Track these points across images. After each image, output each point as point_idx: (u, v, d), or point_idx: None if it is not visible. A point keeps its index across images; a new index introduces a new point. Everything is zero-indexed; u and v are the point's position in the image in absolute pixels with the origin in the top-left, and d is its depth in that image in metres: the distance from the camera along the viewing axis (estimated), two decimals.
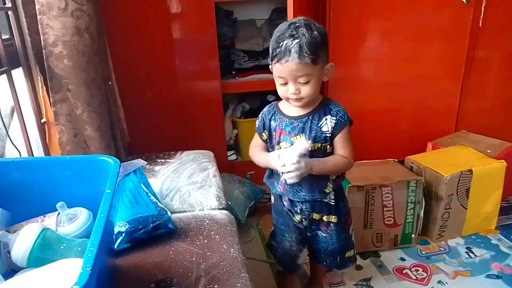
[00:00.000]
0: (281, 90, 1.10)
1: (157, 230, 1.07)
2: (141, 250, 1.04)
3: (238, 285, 0.92)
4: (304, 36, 1.00)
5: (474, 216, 1.78)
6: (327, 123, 1.13)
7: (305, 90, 1.07)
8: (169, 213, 1.09)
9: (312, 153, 1.14)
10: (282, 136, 1.17)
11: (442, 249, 1.75)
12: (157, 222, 1.06)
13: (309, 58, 1.01)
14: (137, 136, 1.97)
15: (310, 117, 1.14)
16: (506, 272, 1.59)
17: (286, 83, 1.07)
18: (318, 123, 1.13)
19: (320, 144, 1.15)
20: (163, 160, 1.56)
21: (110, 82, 1.59)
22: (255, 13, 2.32)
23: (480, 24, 2.03)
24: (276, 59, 1.04)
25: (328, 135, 1.14)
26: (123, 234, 1.01)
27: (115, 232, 1.01)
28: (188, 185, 1.37)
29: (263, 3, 2.30)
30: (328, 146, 1.15)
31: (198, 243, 1.07)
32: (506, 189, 1.82)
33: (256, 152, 1.23)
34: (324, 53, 1.06)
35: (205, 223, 1.16)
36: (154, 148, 1.81)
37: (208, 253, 1.02)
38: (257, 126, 1.24)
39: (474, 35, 2.05)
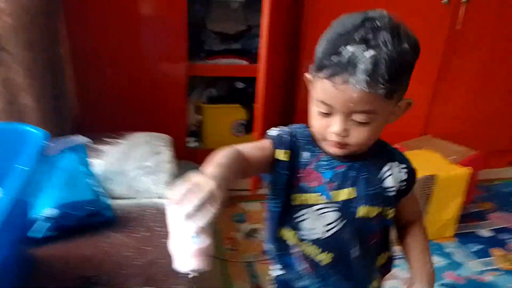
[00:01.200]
0: (317, 122, 0.69)
1: (93, 218, 0.96)
2: (70, 240, 0.92)
3: (179, 286, 0.83)
4: (386, 48, 0.61)
5: (433, 222, 1.76)
6: (393, 176, 0.75)
7: (359, 135, 0.67)
8: (108, 199, 0.97)
9: (364, 224, 0.75)
10: (314, 182, 0.73)
11: (398, 255, 1.71)
12: (93, 209, 0.94)
13: (384, 87, 0.61)
14: (90, 113, 1.82)
15: (366, 162, 0.74)
16: (459, 282, 1.57)
17: (329, 114, 0.66)
18: (378, 174, 0.75)
19: (379, 209, 0.75)
20: (112, 140, 1.43)
21: (61, 50, 1.44)
22: None
23: (458, 28, 1.99)
24: (326, 72, 0.63)
25: (392, 193, 0.76)
26: (50, 220, 0.89)
27: (41, 217, 0.89)
28: (137, 169, 1.25)
29: None
30: (390, 211, 0.77)
31: (138, 235, 0.96)
32: (466, 197, 1.81)
33: (226, 153, 0.66)
34: (406, 81, 0.67)
35: (150, 213, 1.06)
36: (107, 127, 1.67)
37: (147, 248, 0.92)
38: (274, 134, 0.76)
39: (450, 39, 2.02)
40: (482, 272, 1.62)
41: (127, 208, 1.07)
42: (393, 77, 0.61)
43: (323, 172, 0.73)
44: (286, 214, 0.75)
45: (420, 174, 1.61)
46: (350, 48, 0.61)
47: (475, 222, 1.95)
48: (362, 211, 0.73)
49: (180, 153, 1.98)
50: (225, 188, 0.56)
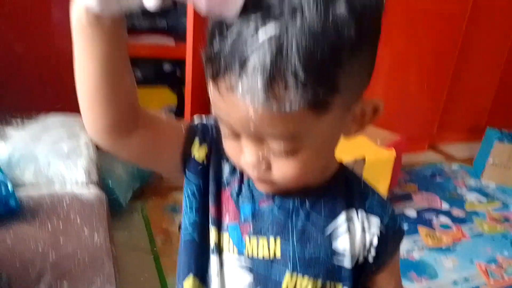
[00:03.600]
0: (226, 146, 0.44)
1: None
2: None
3: (98, 280, 0.72)
4: (300, 19, 0.33)
5: None
6: (352, 234, 0.48)
7: (283, 170, 0.41)
8: (10, 186, 0.82)
9: None
10: (227, 217, 0.49)
11: None
12: None
13: (303, 94, 0.35)
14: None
15: (308, 203, 0.48)
16: None
17: (237, 135, 0.41)
18: (326, 224, 0.48)
19: (319, 283, 0.48)
20: (20, 121, 1.25)
21: None
22: None
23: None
24: (207, 67, 0.38)
25: (347, 263, 0.48)
26: None
27: None
28: (49, 154, 1.09)
29: None
30: None
31: (50, 227, 0.83)
32: (391, 180, 1.87)
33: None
34: (357, 72, 0.39)
35: (64, 202, 0.92)
36: (18, 108, 1.48)
37: (61, 240, 0.79)
38: (197, 121, 0.50)
39: None
40: (410, 250, 1.69)
41: (37, 197, 0.92)
42: (317, 73, 0.34)
43: (241, 204, 0.48)
44: (198, 252, 0.50)
45: (350, 157, 1.66)
46: (236, 26, 0.34)
47: (401, 204, 2.04)
48: (289, 283, 0.47)
49: None
50: None
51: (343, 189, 0.49)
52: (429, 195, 2.13)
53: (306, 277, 0.47)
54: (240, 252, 0.48)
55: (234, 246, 0.48)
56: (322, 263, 0.47)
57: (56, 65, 1.73)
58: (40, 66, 1.72)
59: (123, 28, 0.39)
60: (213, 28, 0.36)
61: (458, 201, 2.10)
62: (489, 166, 2.31)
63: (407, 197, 2.09)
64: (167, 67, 2.09)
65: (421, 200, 2.08)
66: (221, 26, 0.35)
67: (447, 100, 2.51)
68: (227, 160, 0.48)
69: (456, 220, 1.92)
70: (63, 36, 1.75)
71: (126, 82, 0.42)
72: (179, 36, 1.92)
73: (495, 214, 2.02)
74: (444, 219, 1.92)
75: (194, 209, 0.49)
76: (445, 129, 2.67)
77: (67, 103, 1.73)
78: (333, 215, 0.48)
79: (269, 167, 0.41)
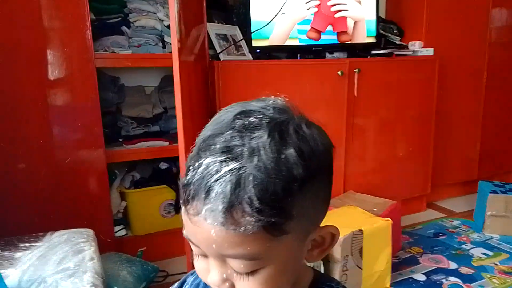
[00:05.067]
0: (196, 265, 0.49)
1: None
2: None
3: None
4: (257, 158, 0.41)
5: (369, 275, 1.80)
6: None
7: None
8: None
9: None
10: None
11: None
12: None
13: (256, 220, 0.41)
14: (1, 215, 1.67)
15: None
16: None
17: (206, 256, 0.47)
18: None
19: None
20: (27, 245, 1.31)
21: None
22: (143, 80, 2.26)
23: (355, 94, 2.22)
24: (181, 194, 0.45)
25: None
26: None
27: None
28: (56, 274, 1.15)
29: (152, 70, 2.25)
30: None
31: None
32: (394, 245, 1.89)
33: None
34: (306, 205, 0.45)
35: None
36: (22, 229, 1.54)
37: None
38: None
39: (351, 104, 2.23)
40: None
41: None
42: (270, 203, 0.40)
43: None
44: None
45: (348, 230, 1.70)
46: (205, 160, 0.42)
47: (408, 268, 2.03)
48: None
49: (108, 245, 1.87)
50: None
51: None
52: (435, 256, 2.13)
53: None
54: None
55: None
56: None
57: (58, 182, 1.83)
58: (42, 186, 1.79)
59: None
60: (188, 163, 0.45)
61: (465, 258, 2.10)
62: (488, 218, 2.34)
63: (413, 261, 2.09)
64: (163, 165, 2.21)
65: (428, 262, 2.08)
66: (194, 161, 0.43)
67: (436, 159, 2.60)
68: None
69: (466, 279, 1.91)
70: (64, 148, 1.87)
71: None
72: (171, 137, 2.06)
73: (503, 267, 2.01)
74: (453, 279, 1.91)
75: None
76: (439, 186, 2.73)
77: (72, 218, 1.81)
78: None
79: (232, 287, 0.46)
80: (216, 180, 0.41)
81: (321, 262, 1.69)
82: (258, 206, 0.40)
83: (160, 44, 2.08)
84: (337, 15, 2.20)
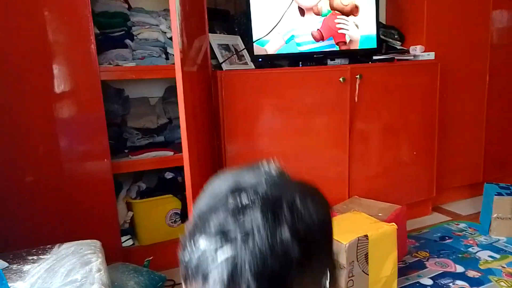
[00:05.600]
0: None
1: None
2: None
3: None
4: (252, 241, 0.42)
5: (376, 281, 1.80)
6: None
7: None
8: None
9: None
10: None
11: None
12: None
13: None
14: (10, 228, 1.70)
15: None
16: None
17: None
18: None
19: None
20: (35, 257, 1.33)
21: None
22: (148, 91, 2.29)
23: (356, 100, 2.23)
24: (181, 267, 0.46)
25: None
26: None
27: None
28: (64, 286, 1.16)
29: (156, 82, 2.28)
30: None
31: None
32: (400, 250, 1.89)
33: None
34: (310, 279, 0.46)
35: None
36: (30, 242, 1.56)
37: None
38: None
39: (353, 110, 2.24)
40: None
41: None
42: (268, 284, 0.41)
43: None
44: None
45: (353, 236, 1.71)
46: (202, 243, 0.42)
47: (415, 273, 2.03)
48: None
49: (115, 255, 1.89)
50: None
51: None
52: (442, 260, 2.13)
53: None
54: None
55: None
56: None
57: (65, 194, 1.86)
58: (49, 198, 1.82)
59: None
60: (184, 239, 0.45)
61: (472, 262, 2.09)
62: (494, 220, 2.33)
63: (420, 265, 2.09)
64: (168, 174, 2.23)
65: (435, 266, 2.08)
66: (190, 240, 0.44)
67: (440, 162, 2.60)
68: None
69: (473, 282, 1.91)
70: (70, 161, 1.90)
71: None
72: (176, 147, 2.09)
73: (510, 269, 2.00)
74: (461, 283, 1.91)
75: None
76: (445, 189, 2.73)
77: (79, 229, 1.83)
78: None
79: None
80: (213, 268, 0.41)
81: (327, 269, 1.70)
82: None
83: (163, 55, 2.11)
84: (339, 31, 2.27)
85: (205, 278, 0.41)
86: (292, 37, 2.21)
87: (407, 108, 2.42)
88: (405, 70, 2.41)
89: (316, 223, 0.45)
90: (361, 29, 2.34)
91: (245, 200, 0.43)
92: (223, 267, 0.40)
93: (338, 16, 2.27)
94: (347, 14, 2.29)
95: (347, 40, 2.33)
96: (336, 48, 2.30)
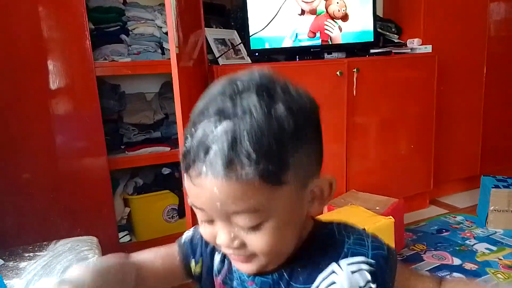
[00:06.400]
0: (203, 231, 0.52)
1: None
2: None
3: None
4: (248, 116, 0.44)
5: None
6: (342, 280, 0.50)
7: (256, 244, 0.48)
8: None
9: None
10: None
11: None
12: None
13: (255, 169, 0.44)
14: (5, 225, 1.70)
15: (286, 274, 0.53)
16: None
17: (211, 221, 0.50)
18: (314, 280, 0.51)
19: None
20: (31, 254, 1.33)
21: None
22: (144, 86, 2.28)
23: (354, 94, 2.23)
24: (182, 163, 0.48)
25: None
26: None
27: None
28: None
29: (152, 77, 2.27)
30: None
31: None
32: (397, 243, 1.90)
33: (106, 259, 0.62)
34: (299, 156, 0.47)
35: None
36: (26, 238, 1.56)
37: None
38: (183, 240, 0.64)
39: (350, 103, 2.24)
40: None
41: None
42: (266, 153, 0.43)
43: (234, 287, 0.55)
44: None
45: None
46: (202, 125, 0.45)
47: (412, 265, 2.03)
48: None
49: (112, 251, 1.88)
50: None
51: (318, 247, 0.53)
52: (439, 253, 2.13)
53: None
54: None
55: None
56: None
57: (62, 191, 1.85)
58: (45, 194, 1.82)
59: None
60: (185, 134, 0.48)
61: (469, 254, 2.10)
62: (491, 213, 2.34)
63: (417, 258, 2.09)
64: (165, 170, 2.23)
65: (432, 258, 2.08)
66: (190, 129, 0.47)
67: (437, 156, 2.60)
68: (217, 252, 0.58)
69: (470, 274, 1.91)
70: (67, 157, 1.90)
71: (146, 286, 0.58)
72: (173, 142, 2.08)
73: (508, 261, 2.01)
74: (458, 275, 1.92)
75: None
76: (442, 182, 2.73)
77: (76, 226, 1.83)
78: (312, 279, 0.51)
79: (242, 244, 0.48)
80: (213, 139, 0.44)
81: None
82: (255, 158, 0.43)
83: (159, 50, 2.10)
84: (326, 31, 2.26)
85: (206, 151, 0.44)
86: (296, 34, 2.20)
87: (404, 101, 2.42)
88: (402, 63, 2.41)
89: (308, 106, 0.50)
90: (351, 27, 2.32)
91: (240, 86, 0.47)
92: (223, 139, 0.43)
93: (328, 19, 2.25)
94: (337, 19, 2.28)
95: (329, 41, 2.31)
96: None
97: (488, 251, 2.12)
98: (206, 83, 2.02)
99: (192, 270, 0.61)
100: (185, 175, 0.48)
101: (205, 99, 0.48)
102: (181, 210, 2.14)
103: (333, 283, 0.50)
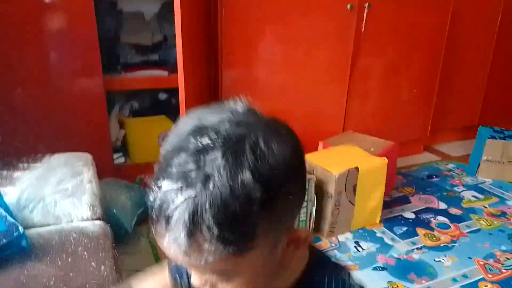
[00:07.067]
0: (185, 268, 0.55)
1: (6, 250, 0.88)
2: None
3: None
4: (211, 184, 0.40)
5: (361, 211, 1.86)
6: None
7: None
8: (21, 229, 0.91)
9: None
10: None
11: (333, 245, 1.78)
12: (5, 240, 0.87)
13: (220, 244, 0.41)
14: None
15: None
16: (390, 263, 1.67)
17: None
18: None
19: None
20: (26, 165, 1.33)
21: None
22: (143, 5, 2.16)
23: (363, 31, 2.14)
24: (150, 212, 0.45)
25: None
26: None
27: None
28: (55, 193, 1.18)
29: None
30: None
31: (59, 263, 0.90)
32: (387, 185, 1.93)
33: None
34: (270, 223, 0.44)
35: (72, 238, 1.00)
36: (20, 152, 1.56)
37: (71, 274, 0.87)
38: (171, 264, 0.64)
39: (357, 41, 2.15)
40: (410, 251, 1.74)
41: (46, 235, 1.00)
42: (229, 227, 0.40)
43: None
44: None
45: (344, 168, 1.72)
46: (164, 185, 0.42)
47: (399, 207, 2.09)
48: None
49: (107, 171, 1.90)
50: None
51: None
52: (426, 196, 2.18)
53: None
54: None
55: None
56: None
57: (57, 107, 1.83)
58: (40, 110, 1.80)
59: None
60: (152, 180, 0.44)
61: (455, 200, 2.15)
62: (483, 163, 2.37)
63: (404, 200, 2.15)
64: (162, 96, 2.19)
65: (419, 201, 2.14)
66: (155, 181, 0.43)
67: (438, 103, 2.57)
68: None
69: (454, 219, 1.98)
70: (60, 77, 1.86)
71: None
72: (171, 67, 2.02)
73: (492, 210, 2.06)
74: (442, 219, 1.98)
75: None
76: (439, 130, 2.73)
77: (71, 143, 1.82)
78: None
79: (215, 286, 0.47)
80: (174, 209, 0.40)
81: (315, 197, 1.74)
82: (217, 232, 0.40)
83: None
84: None
85: (167, 220, 0.41)
86: None
87: (413, 45, 2.33)
88: (417, 4, 2.28)
89: (281, 163, 0.43)
90: None
91: (206, 141, 0.42)
92: (184, 208, 0.40)
93: None
94: None
95: None
96: None
97: (474, 199, 2.17)
98: (209, 8, 1.92)
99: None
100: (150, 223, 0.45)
101: (173, 142, 0.45)
102: None
103: None
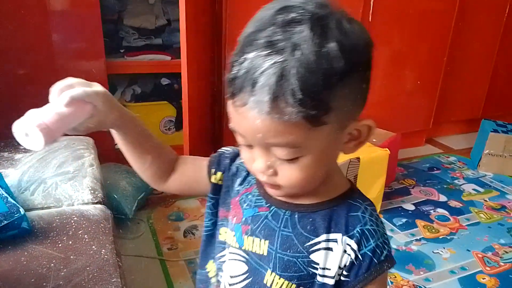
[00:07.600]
0: (243, 155, 0.54)
1: (6, 232, 0.88)
2: None
3: None
4: (299, 51, 0.42)
5: None
6: (328, 252, 0.53)
7: (288, 175, 0.50)
8: (22, 210, 0.90)
9: None
10: (234, 219, 0.60)
11: None
12: (6, 221, 0.87)
13: (299, 110, 0.43)
14: (3, 118, 1.68)
15: (297, 216, 0.55)
16: None
17: (250, 146, 0.50)
18: (307, 240, 0.54)
19: (295, 286, 0.55)
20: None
21: None
22: None
23: (370, 19, 2.11)
24: (228, 89, 0.47)
25: (319, 275, 0.53)
26: None
27: None
28: (56, 176, 1.17)
29: None
30: None
31: (60, 245, 0.90)
32: (388, 176, 1.93)
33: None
34: (346, 98, 0.46)
35: (72, 221, 1.00)
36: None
37: (71, 257, 0.87)
38: (217, 153, 0.66)
39: None
40: (408, 243, 1.75)
41: (46, 217, 1.00)
42: (312, 94, 0.42)
43: (245, 209, 0.58)
44: (214, 244, 0.64)
45: (346, 157, 1.72)
46: (250, 55, 0.43)
47: (399, 198, 2.09)
48: (269, 279, 0.55)
49: (108, 156, 1.89)
50: (113, 114, 0.57)
51: (338, 213, 0.54)
52: (426, 189, 2.18)
53: (282, 279, 0.54)
54: (240, 247, 0.58)
55: (236, 242, 0.59)
56: (297, 269, 0.54)
57: None
58: (42, 92, 1.79)
59: (125, 129, 0.60)
60: (233, 58, 0.46)
61: (456, 193, 2.15)
62: (485, 156, 2.36)
63: (405, 192, 2.15)
64: (164, 80, 2.17)
65: (419, 193, 2.14)
66: (239, 57, 0.45)
67: (442, 95, 2.55)
68: (240, 176, 0.62)
69: (454, 211, 1.98)
70: (64, 57, 1.84)
71: (148, 158, 0.61)
72: (174, 52, 2.00)
73: (492, 203, 2.06)
74: (441, 211, 1.98)
75: (212, 213, 0.64)
76: (442, 122, 2.72)
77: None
78: (314, 234, 0.53)
79: (275, 173, 0.50)
80: (261, 73, 0.42)
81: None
82: (301, 97, 0.42)
83: None
84: None
85: (253, 84, 0.43)
86: None
87: (419, 35, 2.31)
88: None
89: (361, 43, 0.47)
90: None
91: (293, 15, 0.44)
92: (271, 72, 0.42)
93: None
94: None
95: None
96: None
97: (475, 192, 2.17)
98: None
99: (213, 178, 0.63)
100: (228, 98, 0.47)
101: (256, 25, 0.46)
102: (178, 122, 2.12)
103: (331, 249, 0.53)
